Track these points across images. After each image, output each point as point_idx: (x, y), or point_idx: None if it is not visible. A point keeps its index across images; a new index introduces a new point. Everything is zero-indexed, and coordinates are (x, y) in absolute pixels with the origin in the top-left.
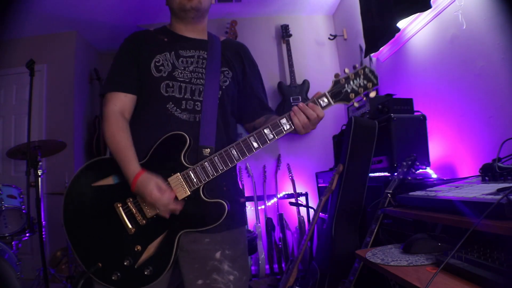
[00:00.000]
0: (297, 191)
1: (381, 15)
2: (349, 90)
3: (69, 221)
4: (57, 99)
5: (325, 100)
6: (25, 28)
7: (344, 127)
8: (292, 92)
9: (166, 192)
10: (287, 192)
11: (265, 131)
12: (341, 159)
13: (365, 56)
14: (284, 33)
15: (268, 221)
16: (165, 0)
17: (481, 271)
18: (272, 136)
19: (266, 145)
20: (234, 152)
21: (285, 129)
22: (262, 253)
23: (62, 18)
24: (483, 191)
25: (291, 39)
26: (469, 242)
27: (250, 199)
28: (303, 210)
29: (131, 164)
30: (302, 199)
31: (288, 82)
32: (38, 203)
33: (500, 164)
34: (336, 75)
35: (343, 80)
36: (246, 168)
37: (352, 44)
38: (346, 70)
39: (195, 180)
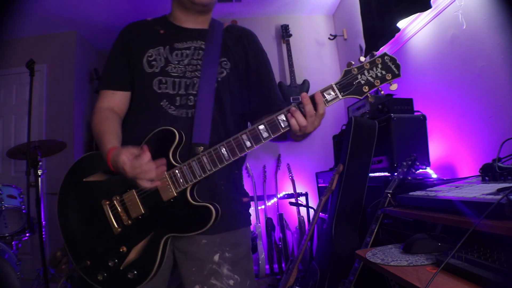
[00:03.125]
0: (297, 191)
1: (381, 15)
2: (362, 82)
3: (62, 215)
4: (57, 99)
5: (332, 93)
6: (25, 28)
7: (344, 127)
8: (292, 92)
9: (139, 154)
10: (287, 192)
11: (260, 127)
12: (341, 159)
13: (365, 56)
14: (284, 33)
15: (268, 221)
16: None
17: (481, 271)
18: (267, 134)
19: (261, 144)
20: (224, 151)
21: (283, 126)
22: (262, 253)
23: (62, 18)
24: (483, 191)
25: (291, 39)
26: (469, 242)
27: (250, 199)
28: (303, 210)
29: (107, 144)
30: (302, 199)
31: (288, 82)
32: (38, 203)
33: (500, 164)
34: (349, 64)
35: (356, 70)
36: (246, 168)
37: (352, 44)
38: (362, 59)
39: (181, 180)
